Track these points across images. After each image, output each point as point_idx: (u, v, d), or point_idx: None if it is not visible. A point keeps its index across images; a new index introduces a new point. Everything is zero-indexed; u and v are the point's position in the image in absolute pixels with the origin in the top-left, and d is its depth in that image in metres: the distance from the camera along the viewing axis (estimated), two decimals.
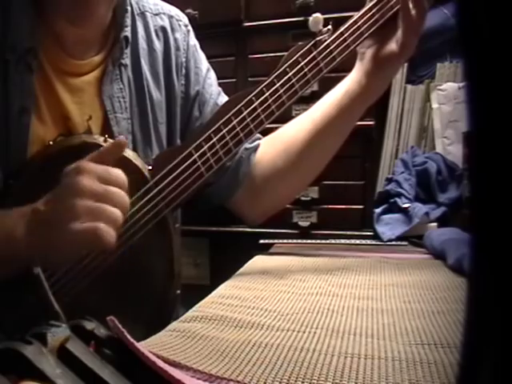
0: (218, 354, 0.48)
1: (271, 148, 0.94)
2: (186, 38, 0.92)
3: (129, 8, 0.84)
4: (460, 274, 0.77)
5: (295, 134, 0.92)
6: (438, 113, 1.33)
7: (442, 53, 1.36)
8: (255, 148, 0.94)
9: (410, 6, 0.83)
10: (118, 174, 0.64)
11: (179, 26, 0.92)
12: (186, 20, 0.94)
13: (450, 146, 1.32)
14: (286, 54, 0.85)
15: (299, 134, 0.91)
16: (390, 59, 0.86)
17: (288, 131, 0.93)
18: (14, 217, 0.65)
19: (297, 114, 1.29)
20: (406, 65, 1.33)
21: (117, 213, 0.62)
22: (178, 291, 0.83)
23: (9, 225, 0.65)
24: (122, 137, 0.72)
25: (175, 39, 0.90)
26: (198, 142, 0.79)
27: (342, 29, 0.85)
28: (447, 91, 1.33)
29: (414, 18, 0.83)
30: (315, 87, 1.20)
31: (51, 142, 0.74)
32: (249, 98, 0.82)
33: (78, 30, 0.76)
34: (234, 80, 1.42)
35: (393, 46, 0.85)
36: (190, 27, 0.94)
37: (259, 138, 0.95)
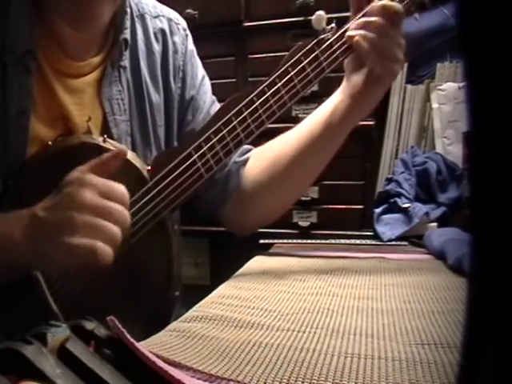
0: (218, 354, 0.48)
1: (258, 162, 0.93)
2: (185, 42, 0.92)
3: (128, 10, 0.83)
4: (460, 274, 0.77)
5: (281, 150, 0.91)
6: (437, 113, 1.33)
7: (441, 53, 1.37)
8: (244, 161, 0.93)
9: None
10: (120, 189, 0.64)
11: (178, 29, 0.91)
12: (184, 24, 0.94)
13: (449, 146, 1.32)
14: (287, 53, 0.83)
15: (284, 150, 0.90)
16: (370, 87, 0.84)
17: (274, 147, 0.93)
18: (12, 220, 0.65)
19: (296, 114, 1.31)
20: (406, 65, 1.33)
21: (115, 230, 0.62)
22: (177, 292, 0.83)
23: (8, 229, 0.65)
24: (122, 145, 0.71)
25: (174, 42, 0.90)
26: (198, 142, 0.79)
27: (346, 27, 0.83)
28: (447, 91, 1.33)
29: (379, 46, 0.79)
30: (315, 87, 1.20)
31: (50, 143, 0.74)
32: (250, 98, 0.81)
33: (78, 33, 0.76)
34: (233, 80, 1.42)
35: (373, 74, 0.82)
36: (188, 31, 0.94)
37: (250, 150, 0.95)
